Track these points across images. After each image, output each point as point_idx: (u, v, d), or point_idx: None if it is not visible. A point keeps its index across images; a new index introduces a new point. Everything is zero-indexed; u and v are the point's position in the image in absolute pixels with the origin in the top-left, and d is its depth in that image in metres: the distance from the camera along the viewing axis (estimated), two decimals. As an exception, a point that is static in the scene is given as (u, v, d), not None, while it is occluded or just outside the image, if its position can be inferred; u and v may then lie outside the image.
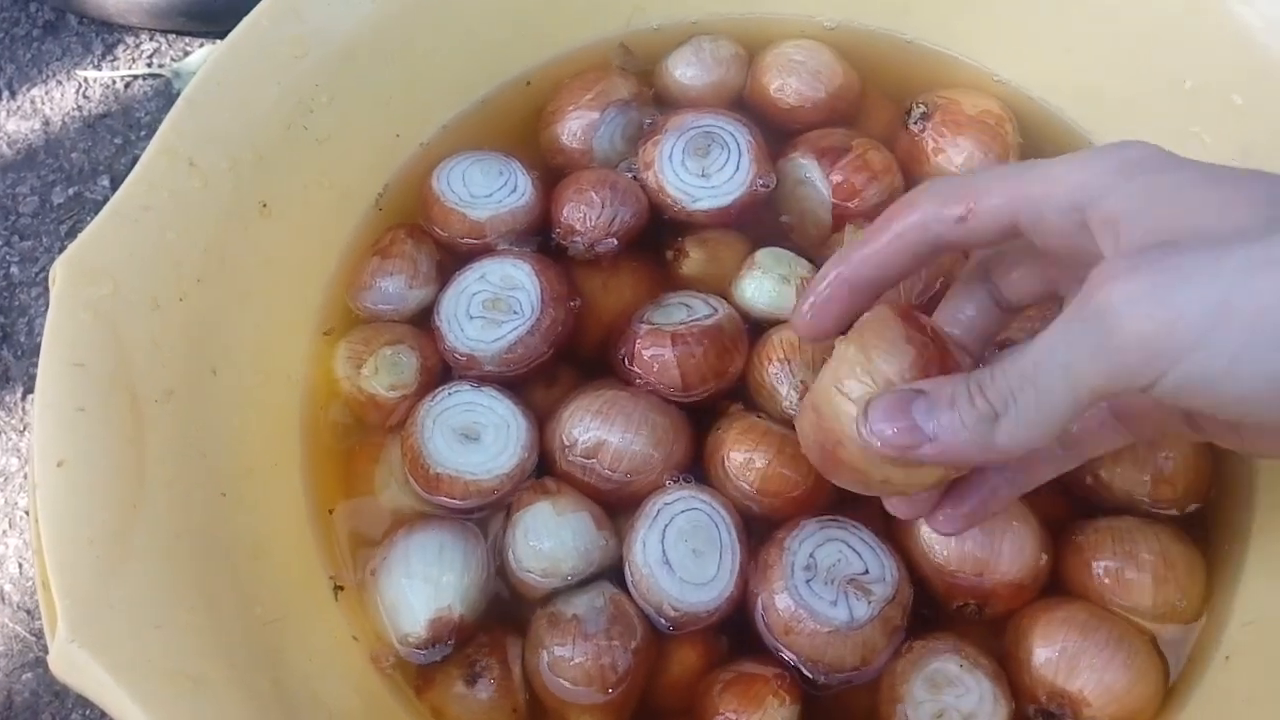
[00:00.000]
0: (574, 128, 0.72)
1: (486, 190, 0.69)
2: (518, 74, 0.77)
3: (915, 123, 0.72)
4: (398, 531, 0.60)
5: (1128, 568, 0.58)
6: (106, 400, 0.52)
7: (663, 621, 0.58)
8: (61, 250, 0.94)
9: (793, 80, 0.74)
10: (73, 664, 0.45)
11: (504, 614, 0.60)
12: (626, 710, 0.57)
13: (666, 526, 0.59)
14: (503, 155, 0.71)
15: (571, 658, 0.56)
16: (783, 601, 0.56)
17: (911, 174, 0.72)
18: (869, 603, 0.56)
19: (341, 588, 0.61)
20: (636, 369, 0.63)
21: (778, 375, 0.62)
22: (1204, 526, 0.61)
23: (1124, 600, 0.58)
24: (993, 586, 0.58)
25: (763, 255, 0.67)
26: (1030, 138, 0.73)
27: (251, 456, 0.60)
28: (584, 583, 0.59)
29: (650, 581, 0.57)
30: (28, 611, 0.81)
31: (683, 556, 0.58)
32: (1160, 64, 0.67)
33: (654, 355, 0.63)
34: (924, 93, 0.73)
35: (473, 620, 0.59)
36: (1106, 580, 0.58)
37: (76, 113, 1.02)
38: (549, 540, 0.58)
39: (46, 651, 0.79)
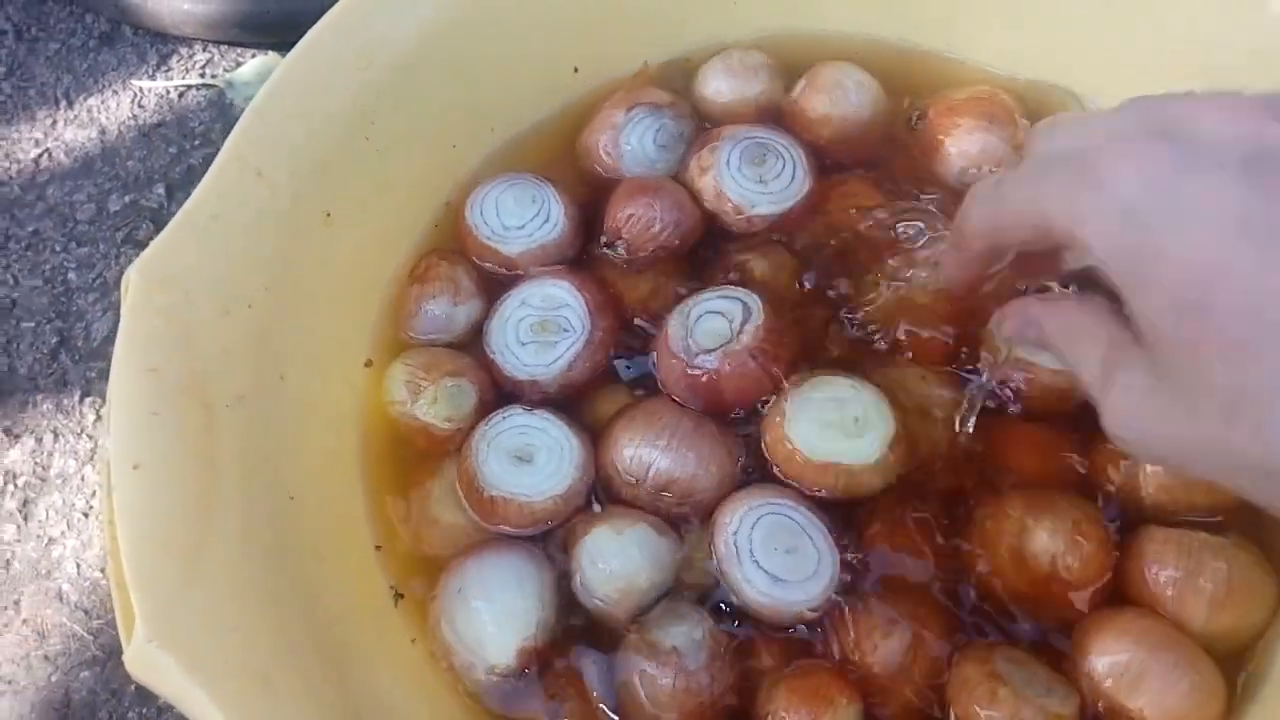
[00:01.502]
0: (604, 129, 0.73)
1: (519, 221, 0.70)
2: (570, 86, 0.78)
3: (915, 124, 0.74)
4: (466, 558, 0.60)
5: (1189, 587, 0.57)
6: (180, 405, 0.53)
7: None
8: (119, 257, 0.96)
9: (837, 103, 0.74)
10: (151, 664, 0.46)
11: (577, 638, 0.61)
12: None
13: (754, 526, 0.59)
14: (536, 180, 0.71)
15: (669, 687, 0.56)
16: None
17: (930, 165, 0.73)
18: None
19: (402, 595, 0.62)
20: (676, 397, 0.63)
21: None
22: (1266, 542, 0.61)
23: (1182, 616, 0.57)
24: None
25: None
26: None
27: (315, 461, 0.61)
28: (673, 606, 0.59)
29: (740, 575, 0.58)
30: (85, 611, 0.82)
31: (773, 554, 0.58)
32: (1218, 73, 0.67)
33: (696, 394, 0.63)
34: (916, 100, 0.75)
35: (550, 647, 0.59)
36: (1170, 593, 0.57)
37: (132, 122, 1.04)
38: (616, 560, 0.58)
39: (104, 651, 0.80)
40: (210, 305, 0.57)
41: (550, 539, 0.62)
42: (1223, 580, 0.57)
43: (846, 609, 0.58)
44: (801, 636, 0.59)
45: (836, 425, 0.60)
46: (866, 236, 0.70)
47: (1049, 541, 0.58)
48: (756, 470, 0.62)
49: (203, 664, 0.46)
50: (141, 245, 0.54)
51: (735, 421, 0.64)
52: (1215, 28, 0.66)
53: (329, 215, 0.64)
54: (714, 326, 0.63)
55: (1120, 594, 0.59)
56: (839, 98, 0.74)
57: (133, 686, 0.80)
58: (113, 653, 0.81)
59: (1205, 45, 0.67)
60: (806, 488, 0.60)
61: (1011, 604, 0.59)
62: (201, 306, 0.56)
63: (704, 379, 0.62)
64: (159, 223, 0.97)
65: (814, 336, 0.67)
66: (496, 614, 0.58)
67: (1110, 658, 0.55)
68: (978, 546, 0.61)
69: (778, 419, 0.61)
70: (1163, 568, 0.58)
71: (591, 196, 0.73)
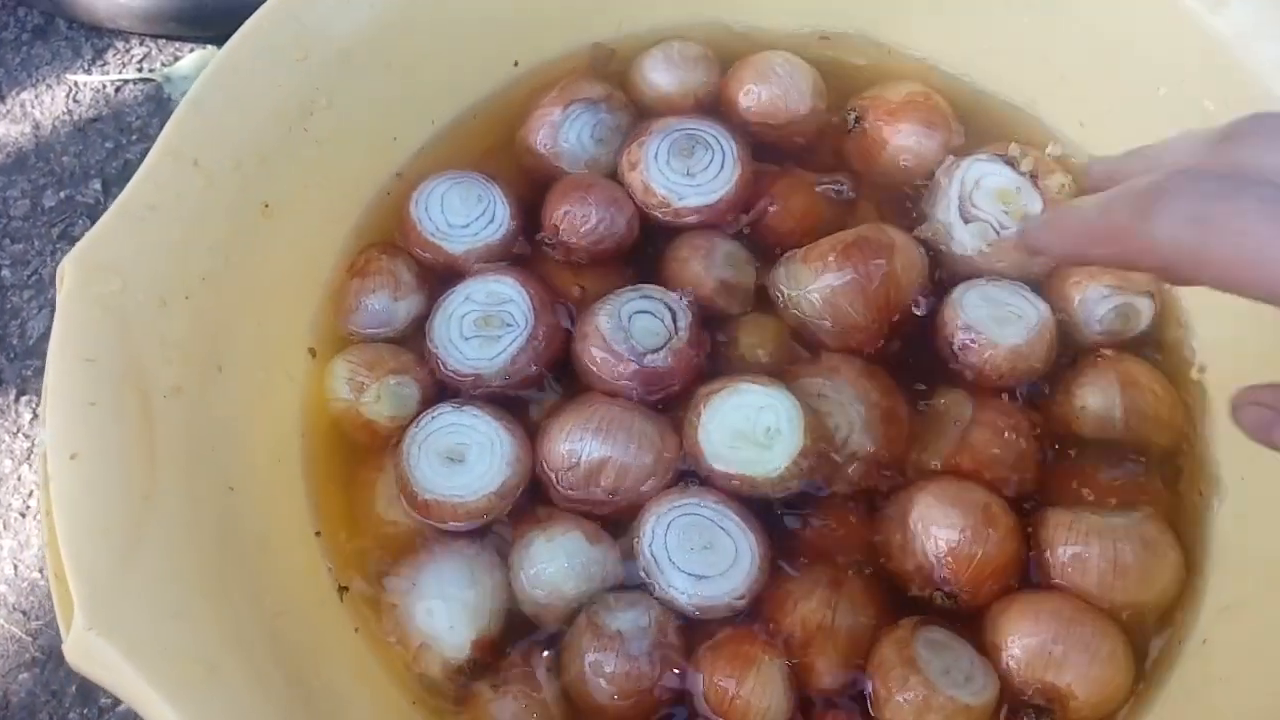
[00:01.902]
0: (541, 126, 0.73)
1: (464, 220, 0.70)
2: (510, 78, 0.79)
3: (853, 126, 0.75)
4: (417, 554, 0.61)
5: (1092, 563, 0.60)
6: (117, 395, 0.53)
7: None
8: (54, 254, 0.95)
9: (770, 89, 0.75)
10: (90, 652, 0.46)
11: (527, 631, 0.62)
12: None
13: (667, 531, 0.60)
14: (483, 179, 0.72)
15: (610, 670, 0.57)
16: None
17: (871, 172, 0.75)
18: None
19: (346, 588, 0.62)
20: (616, 392, 0.65)
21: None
22: (1179, 516, 0.64)
23: (1088, 591, 0.60)
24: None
25: None
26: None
27: (256, 453, 0.61)
28: (624, 592, 0.61)
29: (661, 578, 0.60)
30: (24, 613, 0.81)
31: (690, 554, 0.60)
32: (1135, 74, 0.70)
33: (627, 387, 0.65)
34: (850, 98, 0.77)
35: (501, 636, 0.60)
36: (1073, 570, 0.60)
37: (67, 117, 1.03)
38: (547, 566, 0.60)
39: (43, 652, 0.79)
40: (147, 296, 0.56)
41: (496, 528, 0.63)
42: (1124, 555, 0.59)
43: (775, 585, 0.60)
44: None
45: (748, 435, 0.61)
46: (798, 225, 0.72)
47: (952, 532, 0.59)
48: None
49: (143, 651, 0.46)
50: (77, 241, 0.54)
51: (669, 408, 0.65)
52: (1139, 31, 0.69)
53: (267, 206, 0.64)
54: (649, 326, 0.65)
55: (1029, 575, 0.62)
56: (770, 82, 0.75)
57: (73, 687, 0.79)
58: (52, 654, 0.80)
59: (1123, 44, 0.70)
60: (718, 489, 0.62)
61: (924, 590, 0.61)
62: (138, 297, 0.56)
63: (655, 374, 0.64)
64: (95, 219, 0.95)
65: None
66: (451, 610, 0.59)
67: (1030, 639, 0.57)
68: (885, 536, 0.63)
69: (695, 421, 0.62)
70: (1067, 548, 0.60)
71: (533, 192, 0.73)
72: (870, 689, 0.58)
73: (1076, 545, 0.60)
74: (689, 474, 0.63)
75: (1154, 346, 0.70)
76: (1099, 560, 0.59)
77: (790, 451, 0.60)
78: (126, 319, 0.55)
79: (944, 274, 0.70)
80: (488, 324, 0.66)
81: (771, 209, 0.72)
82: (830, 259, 0.66)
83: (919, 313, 0.68)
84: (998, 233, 0.69)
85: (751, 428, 0.61)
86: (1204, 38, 0.65)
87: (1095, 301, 0.68)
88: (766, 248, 0.72)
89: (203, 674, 0.47)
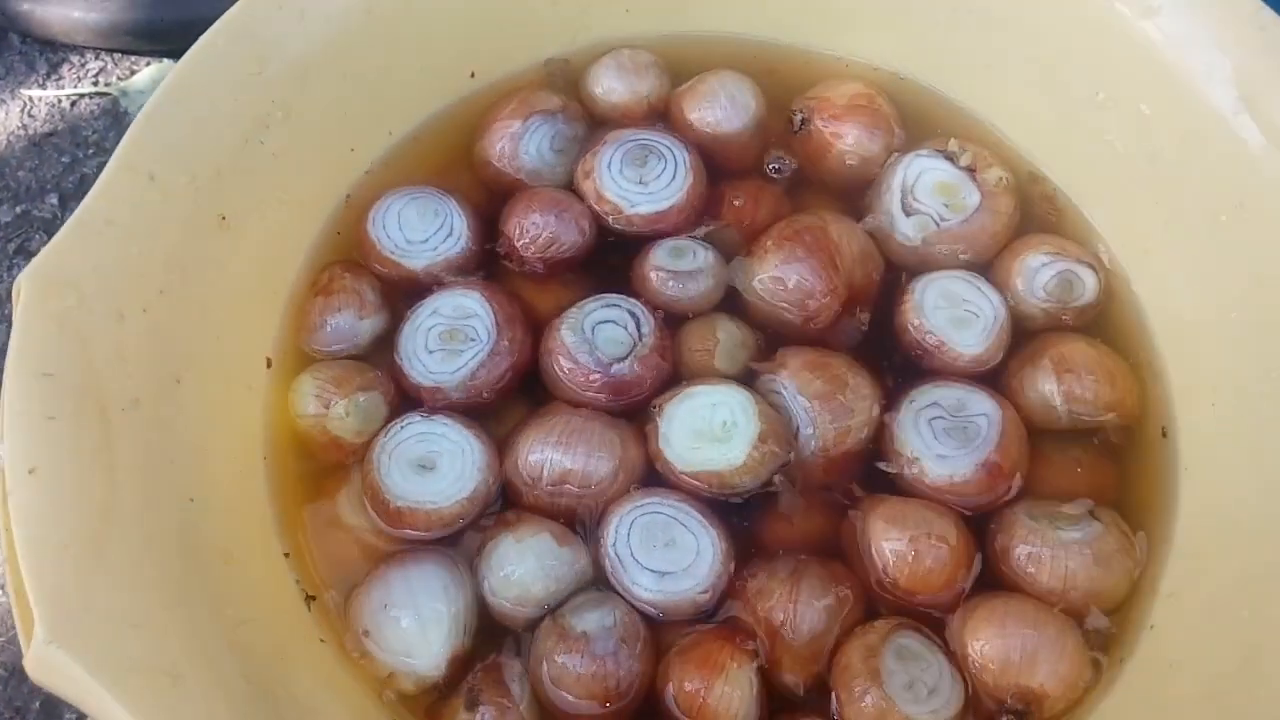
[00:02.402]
0: (500, 138, 0.74)
1: (422, 235, 0.71)
2: (467, 90, 0.79)
3: (799, 130, 0.77)
4: (389, 569, 0.61)
5: (1049, 565, 0.61)
6: (76, 409, 0.53)
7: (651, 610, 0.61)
8: (11, 269, 0.94)
9: (715, 110, 0.77)
10: (51, 665, 0.46)
11: (496, 636, 0.62)
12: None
13: (630, 530, 0.61)
14: (438, 193, 0.72)
15: (577, 672, 0.57)
16: None
17: (819, 172, 0.77)
18: None
19: (313, 597, 0.63)
20: (583, 401, 0.66)
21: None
22: (1135, 507, 0.66)
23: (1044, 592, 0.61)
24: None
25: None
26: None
27: (218, 465, 0.62)
28: (591, 593, 0.61)
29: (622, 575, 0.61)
30: (-17, 630, 0.80)
31: (653, 552, 0.61)
32: (1074, 79, 0.72)
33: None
34: (795, 99, 0.78)
35: (473, 647, 0.61)
36: (1032, 572, 0.62)
37: (22, 132, 1.02)
38: (515, 567, 0.61)
39: (5, 669, 0.79)
40: (104, 310, 0.57)
41: (463, 540, 0.64)
42: (1076, 576, 0.61)
43: (737, 580, 0.61)
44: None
45: (705, 433, 0.63)
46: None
47: (903, 546, 0.61)
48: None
49: (104, 662, 0.46)
50: (34, 256, 0.54)
51: (636, 411, 0.66)
52: (1076, 37, 0.71)
53: (224, 219, 0.64)
54: (613, 335, 0.67)
55: (987, 579, 0.63)
56: (715, 109, 0.76)
57: (37, 704, 0.78)
58: (15, 670, 0.79)
59: (1062, 50, 0.72)
60: (688, 491, 0.63)
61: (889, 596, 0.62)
62: (95, 311, 0.56)
63: (622, 383, 0.65)
64: (52, 233, 0.94)
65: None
66: (425, 627, 0.59)
67: (998, 643, 0.59)
68: (850, 545, 0.64)
69: (655, 433, 0.64)
70: (1023, 551, 0.62)
71: (492, 203, 0.74)
72: (834, 691, 0.59)
73: (1031, 568, 0.62)
74: (658, 481, 0.64)
75: (1110, 328, 0.71)
76: (1050, 579, 0.61)
77: (749, 439, 0.62)
78: (84, 333, 0.55)
79: (894, 261, 0.73)
80: (452, 338, 0.67)
81: (736, 202, 0.74)
82: (769, 244, 0.70)
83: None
84: (937, 224, 0.71)
85: (708, 425, 0.63)
86: (1136, 44, 0.67)
87: (1035, 270, 0.70)
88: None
89: (165, 684, 0.48)
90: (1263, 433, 0.61)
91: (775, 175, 0.77)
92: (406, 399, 0.67)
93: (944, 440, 0.64)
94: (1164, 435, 0.68)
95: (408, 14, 0.73)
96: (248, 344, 0.67)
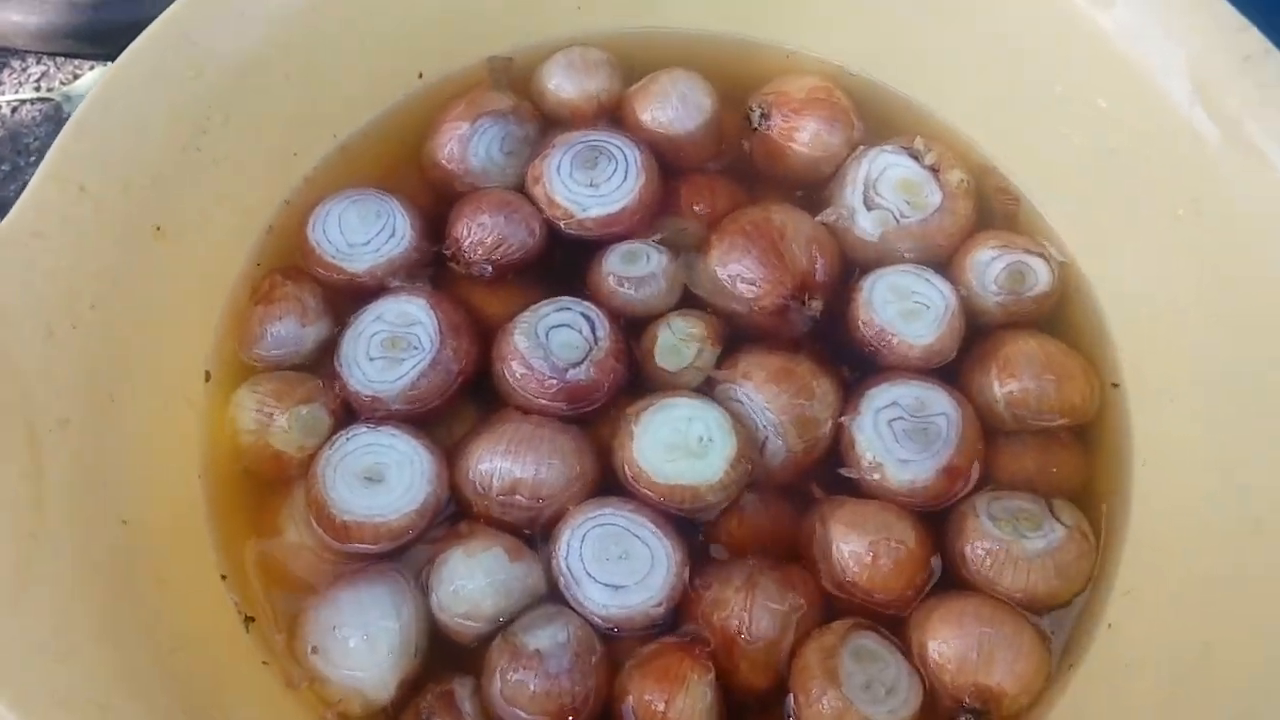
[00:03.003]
0: (449, 140, 0.73)
1: (364, 237, 0.69)
2: (414, 90, 0.78)
3: (759, 124, 0.75)
4: (339, 591, 0.59)
5: (1005, 563, 0.61)
6: (2, 429, 0.51)
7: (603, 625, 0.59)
8: (-51, 281, 0.91)
9: (668, 110, 0.75)
10: (-28, 701, 0.44)
11: (447, 654, 0.61)
12: None
13: (582, 542, 0.60)
14: (379, 194, 0.71)
15: (531, 690, 0.56)
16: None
17: (778, 167, 0.76)
18: None
19: (253, 619, 0.61)
20: (537, 408, 0.65)
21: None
22: (1092, 504, 0.65)
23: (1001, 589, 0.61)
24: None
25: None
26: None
27: (154, 485, 0.60)
28: (543, 609, 0.60)
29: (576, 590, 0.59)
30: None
31: (606, 564, 0.59)
32: (1031, 73, 0.71)
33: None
34: (752, 94, 0.77)
35: (423, 669, 0.59)
36: (988, 570, 0.61)
37: (-39, 139, 0.99)
38: (465, 582, 0.59)
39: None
40: (32, 327, 0.55)
41: (411, 557, 0.62)
42: (1036, 585, 0.60)
43: (692, 590, 0.60)
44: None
45: (680, 446, 0.62)
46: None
47: (863, 550, 0.60)
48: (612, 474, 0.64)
49: (30, 696, 0.45)
50: (-27, 268, 0.52)
51: (589, 418, 0.65)
52: (1033, 31, 0.70)
53: (159, 229, 0.63)
54: (568, 339, 0.65)
55: (945, 576, 0.63)
56: (667, 109, 0.75)
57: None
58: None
59: (1019, 45, 0.71)
60: (657, 506, 0.62)
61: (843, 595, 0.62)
62: (23, 328, 0.55)
63: (579, 388, 0.64)
64: (-6, 243, 0.92)
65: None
66: (375, 650, 0.57)
67: (956, 642, 0.58)
68: (807, 547, 0.63)
69: (627, 441, 0.62)
70: (984, 557, 0.61)
71: (440, 205, 0.73)
72: (792, 693, 0.58)
73: (990, 574, 0.61)
74: (617, 490, 0.63)
75: (1067, 325, 0.71)
76: (1010, 586, 0.61)
77: (726, 456, 0.61)
78: (10, 351, 0.54)
79: (851, 256, 0.72)
80: (394, 345, 0.65)
81: (697, 207, 0.73)
82: (714, 238, 0.70)
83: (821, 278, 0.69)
84: (897, 221, 0.71)
85: (684, 439, 0.62)
86: (1093, 37, 0.66)
87: (986, 264, 0.70)
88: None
89: (94, 717, 0.46)
90: (1219, 429, 0.60)
91: (758, 126, 0.75)
92: (350, 410, 0.65)
93: (905, 444, 0.63)
94: (1119, 433, 0.67)
95: (352, 12, 0.72)
96: (185, 357, 0.65)
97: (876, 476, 0.63)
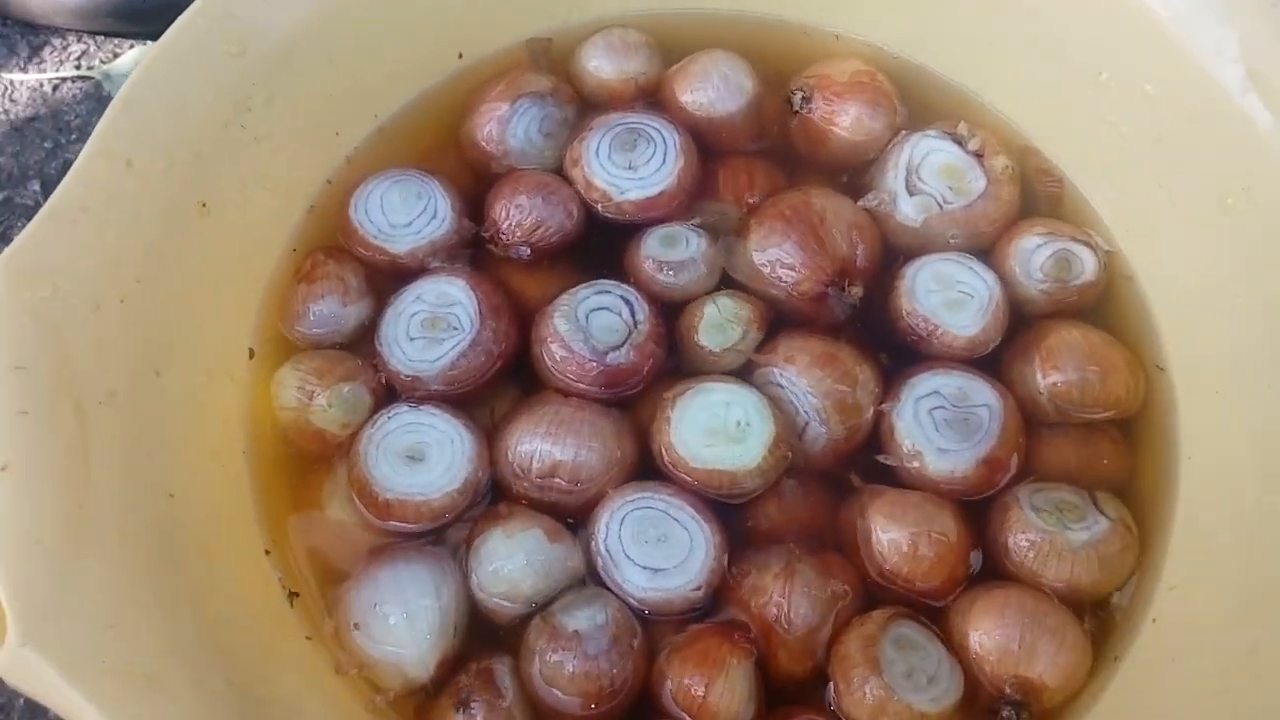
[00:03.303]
0: (487, 121, 0.73)
1: (406, 218, 0.69)
2: (454, 70, 0.77)
3: (800, 107, 0.75)
4: (379, 569, 0.59)
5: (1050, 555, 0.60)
6: (50, 403, 0.51)
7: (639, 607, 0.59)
8: (-8, 256, 0.92)
9: (709, 91, 0.75)
10: (25, 667, 0.45)
11: (485, 634, 0.61)
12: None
13: (621, 525, 0.60)
14: (421, 175, 0.71)
15: (569, 671, 0.56)
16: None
17: (819, 151, 0.75)
18: None
19: (296, 594, 0.61)
20: (577, 391, 0.65)
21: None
22: (1137, 497, 0.65)
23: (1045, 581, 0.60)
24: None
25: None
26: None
27: (198, 458, 0.60)
28: (582, 590, 0.60)
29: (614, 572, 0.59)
30: (-33, 625, 0.79)
31: (645, 547, 0.59)
32: (1077, 58, 0.70)
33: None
34: (794, 77, 0.76)
35: (463, 647, 0.59)
36: (1032, 563, 0.61)
37: (3, 116, 1.00)
38: (505, 563, 0.59)
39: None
40: (80, 301, 0.55)
41: (451, 537, 0.63)
42: (1080, 577, 0.60)
43: (730, 575, 0.60)
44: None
45: (719, 431, 0.61)
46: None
47: (904, 542, 0.60)
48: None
49: (79, 665, 0.45)
50: (13, 245, 0.53)
51: (628, 402, 0.65)
52: (1079, 16, 0.69)
53: (204, 205, 0.63)
54: (607, 322, 0.65)
55: (986, 566, 0.62)
56: (708, 90, 0.74)
57: (21, 700, 0.77)
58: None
59: (1064, 29, 0.70)
60: (695, 491, 0.62)
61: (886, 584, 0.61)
62: (71, 302, 0.55)
63: (618, 371, 0.64)
64: (35, 221, 0.93)
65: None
66: (415, 628, 0.58)
67: (998, 633, 0.58)
68: (848, 535, 0.63)
69: (664, 426, 0.62)
70: (1027, 549, 0.60)
71: (479, 186, 0.72)
72: (832, 681, 0.58)
73: (1035, 566, 0.60)
74: (656, 474, 0.63)
75: (1113, 314, 0.70)
76: (1053, 579, 0.60)
77: (765, 441, 0.61)
78: (58, 325, 0.54)
79: (893, 242, 0.71)
80: (434, 326, 0.65)
81: (747, 196, 0.72)
82: (753, 223, 0.69)
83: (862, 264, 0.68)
84: (940, 206, 0.70)
85: (722, 424, 0.61)
86: (1141, 21, 0.65)
87: (1031, 252, 0.69)
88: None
89: (141, 686, 0.47)
90: (1267, 422, 0.60)
91: (799, 110, 0.74)
92: (391, 389, 0.66)
93: (945, 433, 0.63)
94: (1165, 426, 0.66)
95: (395, -4, 0.71)
96: (229, 333, 0.66)
97: (915, 465, 0.63)
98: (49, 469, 0.50)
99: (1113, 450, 0.66)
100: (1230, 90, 0.62)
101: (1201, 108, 0.64)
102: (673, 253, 0.68)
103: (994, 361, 0.68)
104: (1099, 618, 0.61)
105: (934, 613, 0.61)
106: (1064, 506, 0.62)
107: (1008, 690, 0.57)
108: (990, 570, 0.62)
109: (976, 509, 0.63)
